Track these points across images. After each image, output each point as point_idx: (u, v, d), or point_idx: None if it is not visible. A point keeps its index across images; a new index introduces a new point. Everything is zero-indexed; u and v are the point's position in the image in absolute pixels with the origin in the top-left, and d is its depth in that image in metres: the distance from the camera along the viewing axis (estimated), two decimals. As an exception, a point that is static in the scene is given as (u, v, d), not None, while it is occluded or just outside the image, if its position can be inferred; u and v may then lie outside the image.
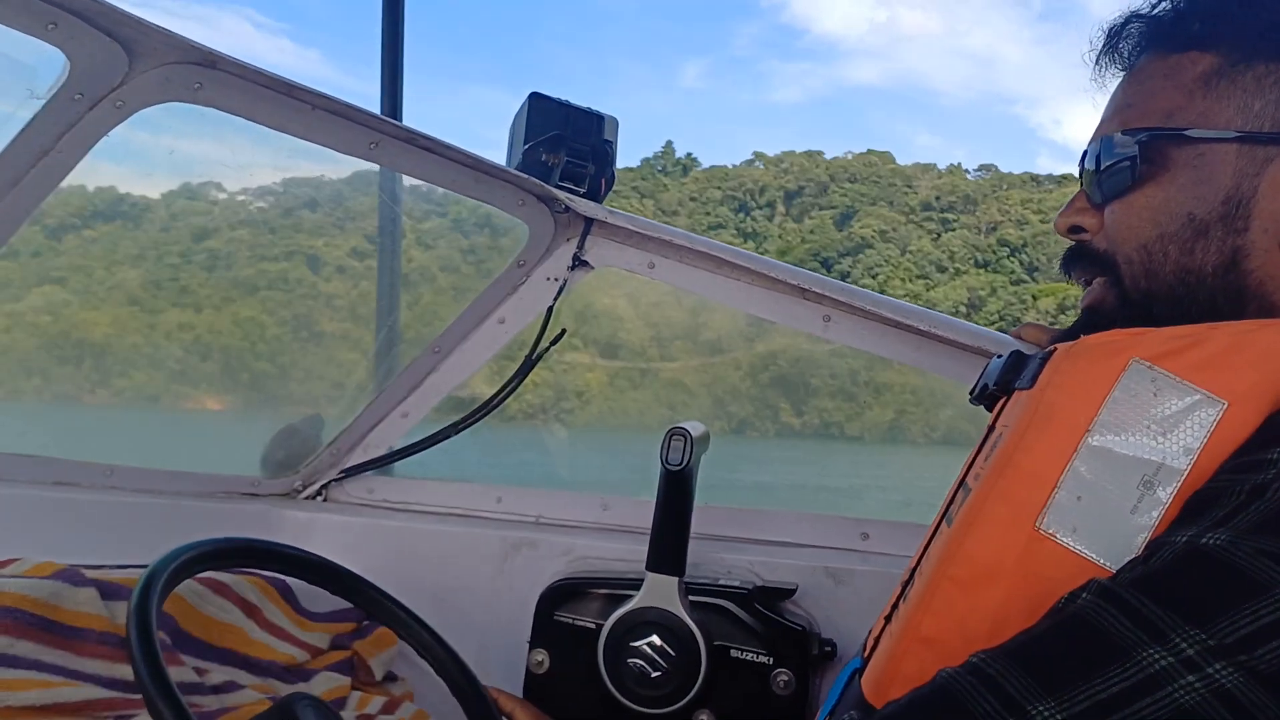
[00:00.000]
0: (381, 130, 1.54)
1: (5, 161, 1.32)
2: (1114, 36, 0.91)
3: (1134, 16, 0.90)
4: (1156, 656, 0.61)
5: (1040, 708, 0.62)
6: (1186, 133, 0.83)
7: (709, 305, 1.73)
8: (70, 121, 1.33)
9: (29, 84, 1.33)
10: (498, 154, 1.74)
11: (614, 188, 1.75)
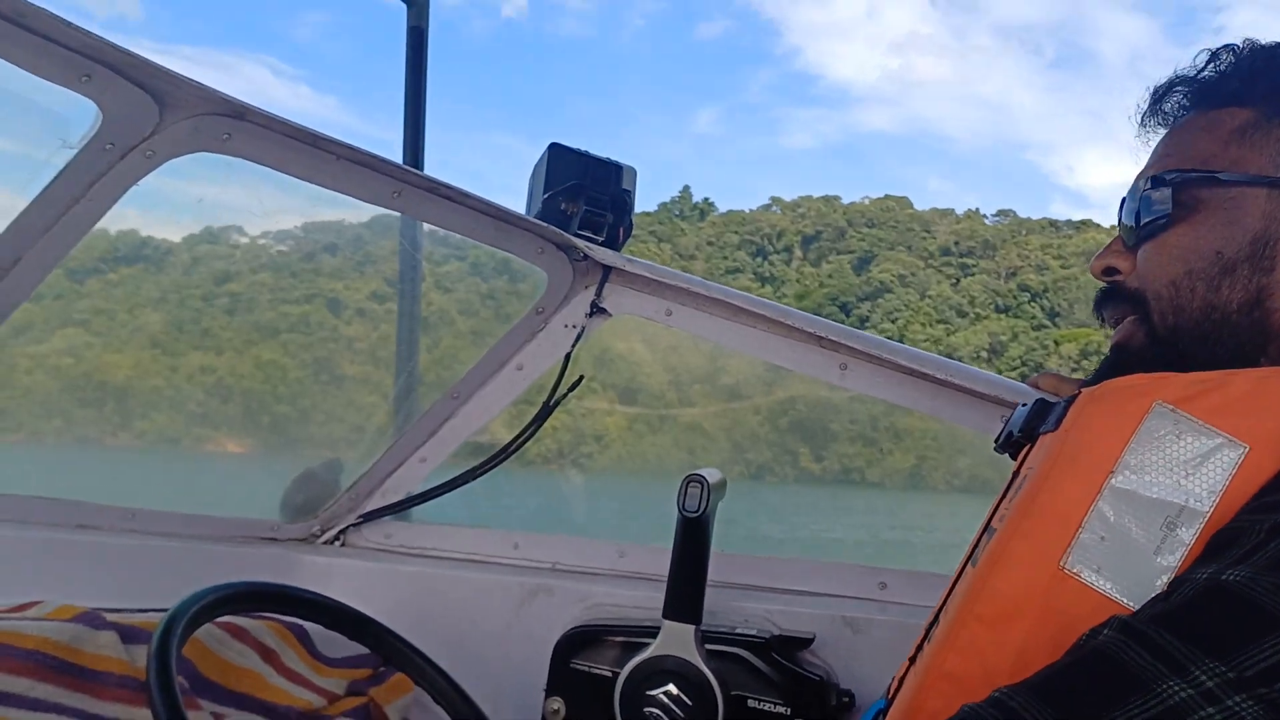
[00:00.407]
0: (404, 180, 1.57)
1: (37, 209, 1.35)
2: (1159, 97, 0.97)
3: (1179, 80, 0.95)
4: (1176, 689, 0.61)
5: None
6: (1219, 175, 0.87)
7: (727, 350, 1.74)
8: (101, 170, 1.36)
9: (62, 134, 1.36)
10: (514, 199, 1.77)
11: (631, 232, 1.77)
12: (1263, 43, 0.92)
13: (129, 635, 1.35)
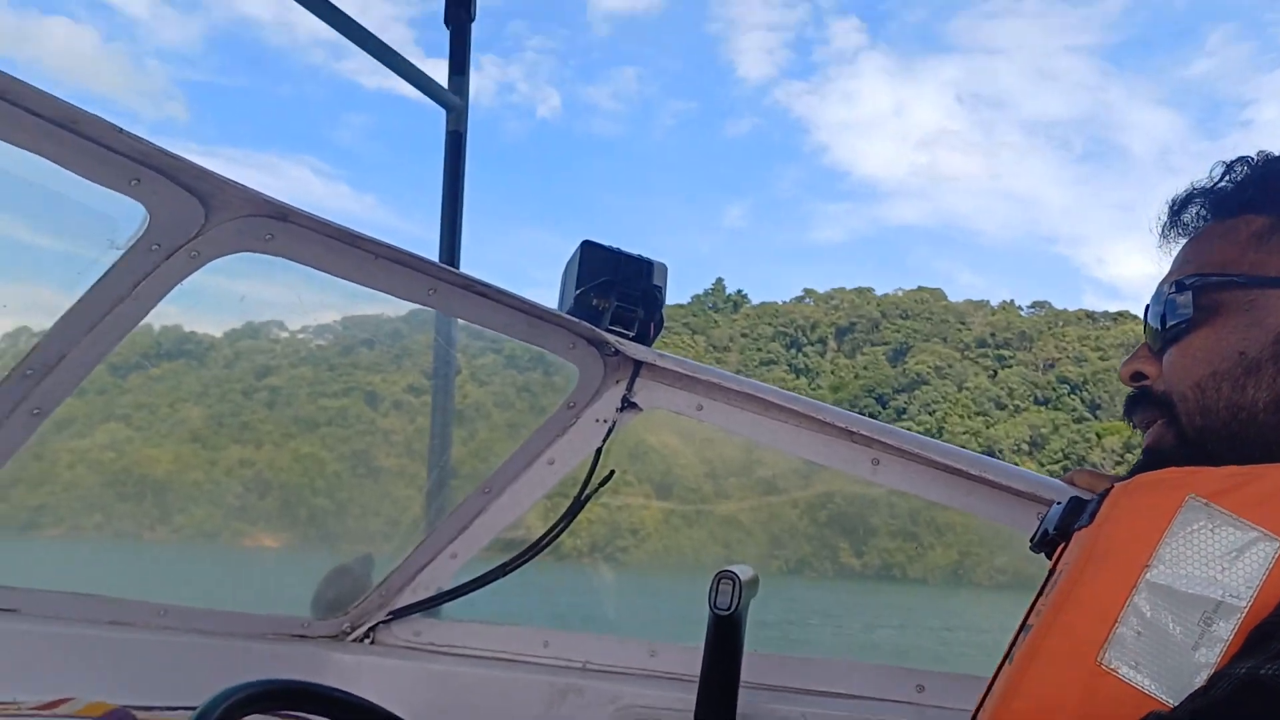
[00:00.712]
0: (439, 277, 1.60)
1: (83, 307, 1.39)
2: (1177, 209, 1.00)
3: (1196, 192, 0.98)
4: None
5: None
6: (1237, 279, 0.89)
7: (761, 444, 1.73)
8: (146, 270, 1.40)
9: (110, 234, 1.41)
10: (546, 293, 1.80)
11: (665, 324, 1.79)
12: (1276, 154, 0.95)
13: (157, 733, 1.34)
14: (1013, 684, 0.78)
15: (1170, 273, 0.97)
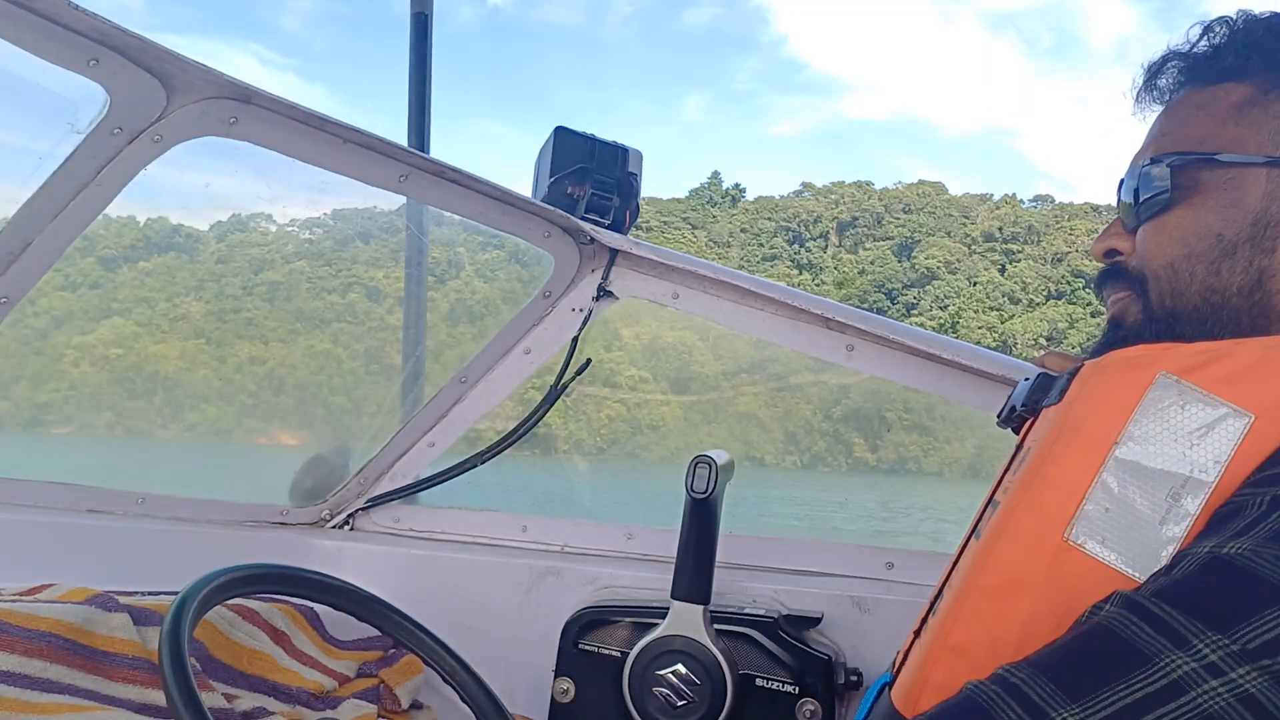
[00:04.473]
0: (411, 164, 1.57)
1: (46, 194, 1.36)
2: (1153, 74, 0.95)
3: (1173, 55, 0.94)
4: (1179, 662, 0.61)
5: (1064, 713, 0.63)
6: (1217, 157, 0.86)
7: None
8: (109, 155, 1.36)
9: (70, 118, 1.37)
10: (508, 187, 1.76)
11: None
12: (1257, 14, 0.90)
13: (141, 617, 1.36)
14: (980, 559, 0.79)
15: (1146, 146, 0.94)
